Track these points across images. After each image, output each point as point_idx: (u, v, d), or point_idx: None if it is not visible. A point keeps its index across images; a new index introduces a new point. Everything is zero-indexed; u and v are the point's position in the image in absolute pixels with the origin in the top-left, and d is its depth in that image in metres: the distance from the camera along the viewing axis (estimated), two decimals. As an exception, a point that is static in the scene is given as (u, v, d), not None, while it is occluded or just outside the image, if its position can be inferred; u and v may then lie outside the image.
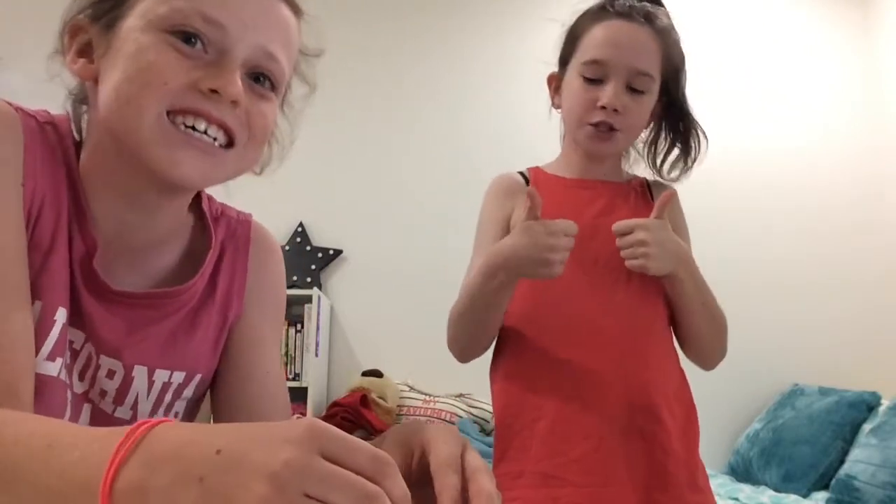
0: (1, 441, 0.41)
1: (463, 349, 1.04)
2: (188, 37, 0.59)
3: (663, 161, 1.15)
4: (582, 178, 1.12)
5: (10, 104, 0.61)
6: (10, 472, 0.39)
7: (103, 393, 0.66)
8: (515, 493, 0.96)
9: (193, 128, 0.59)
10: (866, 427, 2.32)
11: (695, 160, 1.13)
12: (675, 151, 1.14)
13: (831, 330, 2.98)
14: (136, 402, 0.67)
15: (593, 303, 1.02)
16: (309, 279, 3.01)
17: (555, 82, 1.15)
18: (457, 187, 3.07)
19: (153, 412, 0.69)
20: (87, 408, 0.66)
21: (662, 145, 1.15)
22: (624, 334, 1.00)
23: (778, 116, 3.16)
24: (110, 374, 0.66)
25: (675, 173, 1.14)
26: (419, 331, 3.02)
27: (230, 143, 0.61)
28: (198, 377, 0.72)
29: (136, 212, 0.65)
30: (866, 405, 2.43)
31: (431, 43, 3.27)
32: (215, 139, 0.60)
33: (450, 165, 3.14)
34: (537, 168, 1.17)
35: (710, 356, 1.06)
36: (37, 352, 0.59)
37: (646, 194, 1.13)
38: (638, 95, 1.04)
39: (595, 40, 1.04)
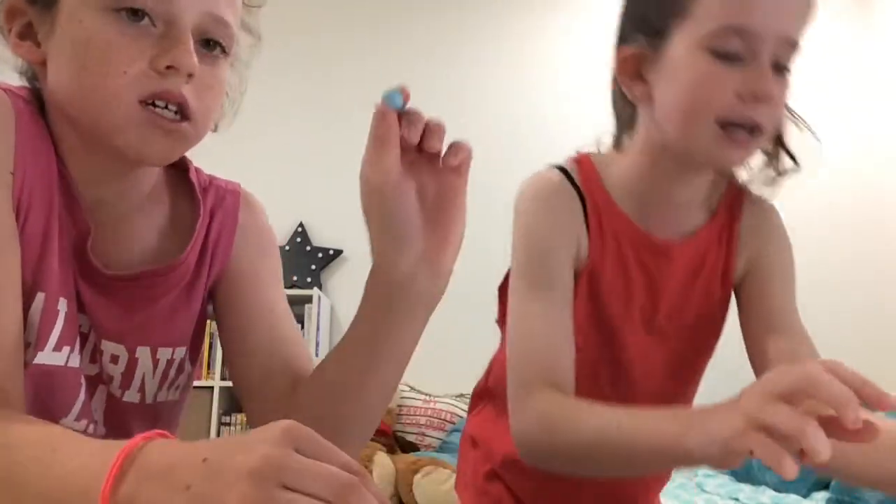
0: (6, 443, 0.43)
1: (549, 466, 0.75)
2: (134, 11, 0.56)
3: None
4: (655, 212, 0.81)
5: None
6: (15, 474, 0.41)
7: (109, 378, 0.66)
8: None
9: (154, 104, 0.58)
10: (866, 427, 2.32)
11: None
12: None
13: (831, 330, 2.97)
14: (142, 384, 0.68)
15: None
16: (309, 279, 3.01)
17: (633, 64, 0.75)
18: (457, 187, 3.07)
19: (159, 390, 0.69)
20: (101, 389, 0.66)
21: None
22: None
23: (778, 116, 3.16)
24: (114, 359, 0.66)
25: (765, 184, 0.86)
26: (419, 331, 3.03)
27: (187, 115, 0.60)
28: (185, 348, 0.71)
29: (109, 181, 0.64)
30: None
31: (433, 43, 3.27)
32: (176, 112, 0.59)
33: (450, 165, 3.14)
34: (590, 175, 0.81)
35: None
36: (44, 343, 0.59)
37: (734, 222, 0.85)
38: (783, 77, 0.71)
39: None
